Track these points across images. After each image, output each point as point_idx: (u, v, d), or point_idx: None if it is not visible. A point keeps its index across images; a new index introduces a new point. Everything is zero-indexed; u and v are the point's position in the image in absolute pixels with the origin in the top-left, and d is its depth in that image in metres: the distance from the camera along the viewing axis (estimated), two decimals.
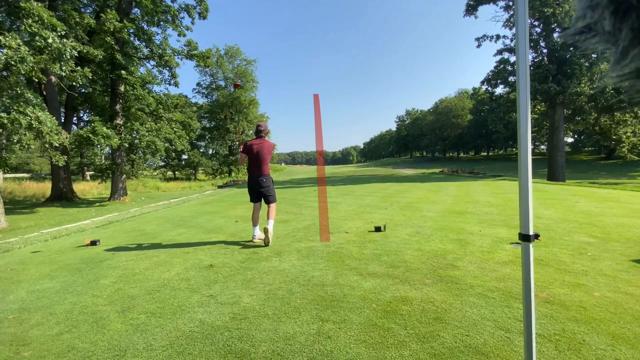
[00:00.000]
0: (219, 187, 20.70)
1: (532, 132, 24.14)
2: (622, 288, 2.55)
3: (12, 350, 2.04)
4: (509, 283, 2.72)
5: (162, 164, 34.84)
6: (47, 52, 8.86)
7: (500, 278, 2.84)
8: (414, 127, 72.29)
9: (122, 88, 13.94)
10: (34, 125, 8.75)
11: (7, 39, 7.87)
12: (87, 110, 19.64)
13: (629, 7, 0.49)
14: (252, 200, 4.59)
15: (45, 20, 8.89)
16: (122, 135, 13.40)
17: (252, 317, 2.32)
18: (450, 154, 73.14)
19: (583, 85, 18.01)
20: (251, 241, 4.52)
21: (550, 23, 18.24)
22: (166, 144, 16.33)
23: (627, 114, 22.04)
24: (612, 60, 0.56)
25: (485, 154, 67.42)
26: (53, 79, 12.32)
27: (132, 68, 13.39)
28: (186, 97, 33.44)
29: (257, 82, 39.60)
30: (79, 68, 10.38)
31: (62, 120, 14.36)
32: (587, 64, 17.60)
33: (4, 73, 8.23)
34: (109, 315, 2.46)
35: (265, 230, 4.21)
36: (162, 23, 14.66)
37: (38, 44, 8.55)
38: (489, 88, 22.35)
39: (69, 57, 9.31)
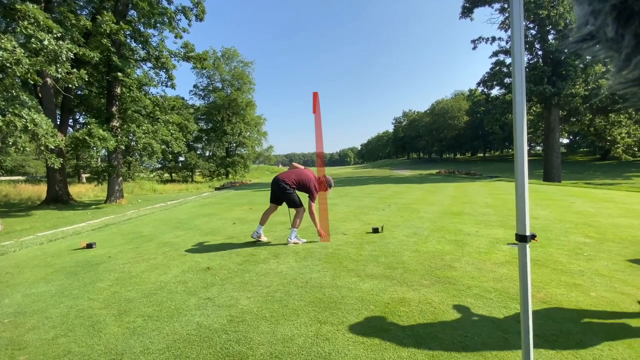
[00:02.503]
0: (216, 189, 20.63)
1: (528, 133, 24.28)
2: (618, 288, 2.57)
3: (7, 355, 2.02)
4: (506, 283, 2.73)
5: (159, 166, 34.64)
6: (43, 54, 8.81)
7: (497, 279, 2.85)
8: (410, 128, 72.50)
9: (118, 90, 13.88)
10: (29, 128, 8.68)
11: (3, 40, 7.81)
12: (84, 112, 19.48)
13: (632, 14, 0.48)
14: (270, 200, 4.64)
15: (41, 22, 8.84)
16: (119, 137, 13.33)
17: (249, 319, 2.31)
18: (447, 155, 73.46)
19: (578, 86, 18.17)
20: (251, 236, 4.60)
21: (545, 25, 18.40)
22: (163, 146, 16.25)
23: (622, 115, 22.26)
24: (615, 67, 0.55)
25: (481, 155, 67.75)
26: (49, 81, 12.23)
27: (129, 70, 13.33)
28: (183, 99, 33.30)
29: (254, 84, 39.64)
30: (75, 70, 10.33)
31: (58, 123, 14.26)
32: (581, 66, 17.76)
33: None
34: (106, 318, 2.44)
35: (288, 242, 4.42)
36: (158, 25, 14.62)
37: (34, 45, 8.50)
38: (485, 89, 22.50)
39: (65, 59, 9.26)
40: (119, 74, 12.88)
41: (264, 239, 4.63)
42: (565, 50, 16.95)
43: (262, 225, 4.59)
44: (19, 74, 8.33)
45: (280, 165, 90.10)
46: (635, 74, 0.53)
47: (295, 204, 4.43)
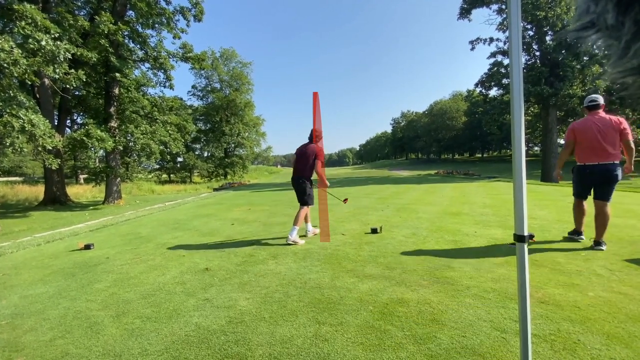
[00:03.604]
0: (215, 189, 20.62)
1: (526, 134, 24.36)
2: (616, 288, 2.58)
3: (5, 357, 2.01)
4: (504, 284, 2.74)
5: (157, 166, 34.55)
6: (40, 54, 8.79)
7: (495, 279, 2.86)
8: (409, 129, 72.66)
9: (116, 90, 13.84)
10: (27, 128, 8.65)
11: (0, 41, 7.79)
12: (81, 113, 19.44)
13: None
14: (297, 199, 4.73)
15: (39, 22, 8.81)
16: (117, 138, 13.29)
17: (248, 320, 2.31)
18: (445, 156, 73.62)
19: (575, 87, 18.23)
20: (304, 236, 4.75)
21: (543, 26, 18.47)
22: (161, 147, 16.21)
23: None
24: (614, 56, 0.55)
25: (480, 155, 67.93)
26: (46, 81, 12.19)
27: (127, 70, 13.29)
28: (181, 99, 33.18)
29: (252, 85, 39.67)
30: (72, 70, 10.30)
31: (56, 123, 14.18)
32: (579, 67, 17.82)
33: None
34: (104, 320, 2.43)
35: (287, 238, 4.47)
36: (157, 25, 14.59)
37: (31, 46, 8.47)
38: (483, 90, 22.56)
39: (62, 59, 9.23)
40: (117, 74, 12.85)
41: (310, 233, 4.79)
42: (567, 39, 16.93)
43: (307, 222, 4.78)
44: (16, 75, 8.31)
45: (279, 166, 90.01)
46: (634, 63, 0.52)
47: (304, 202, 4.54)
